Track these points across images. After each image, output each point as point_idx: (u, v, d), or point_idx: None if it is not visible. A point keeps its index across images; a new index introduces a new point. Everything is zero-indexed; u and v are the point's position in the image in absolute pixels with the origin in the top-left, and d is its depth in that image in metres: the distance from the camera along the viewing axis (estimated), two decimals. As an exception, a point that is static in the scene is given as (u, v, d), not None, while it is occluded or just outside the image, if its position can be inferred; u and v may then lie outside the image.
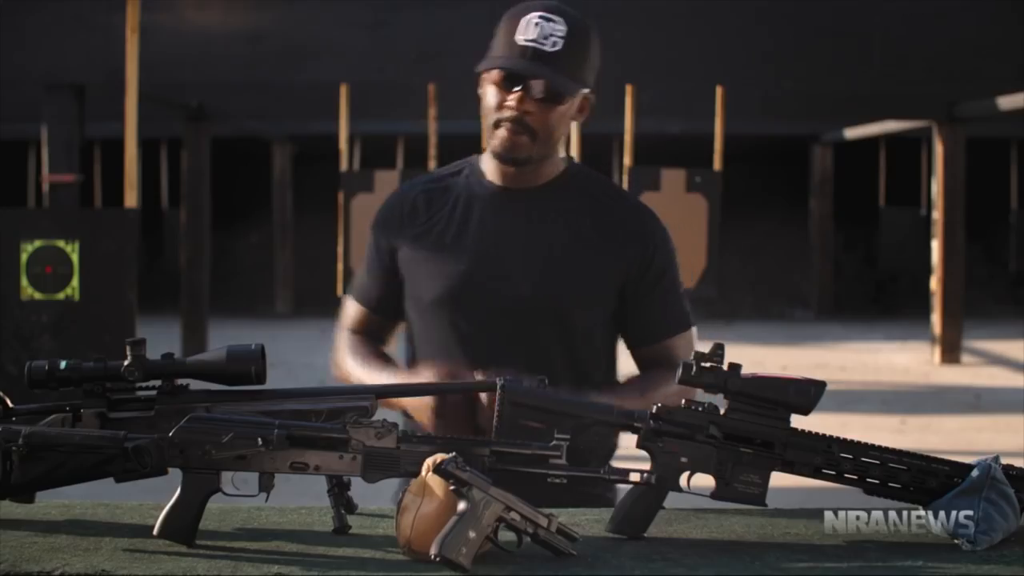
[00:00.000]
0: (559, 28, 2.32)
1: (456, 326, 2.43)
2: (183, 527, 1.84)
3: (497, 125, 2.37)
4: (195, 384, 1.98)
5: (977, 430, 9.19)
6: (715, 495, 1.94)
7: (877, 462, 1.92)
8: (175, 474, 1.87)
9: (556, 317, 2.42)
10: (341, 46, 11.14)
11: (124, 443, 1.85)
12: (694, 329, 2.53)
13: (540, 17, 2.32)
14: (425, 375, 2.27)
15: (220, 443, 1.82)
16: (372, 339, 2.56)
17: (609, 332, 2.52)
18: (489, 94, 2.39)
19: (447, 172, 2.55)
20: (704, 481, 1.93)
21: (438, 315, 2.45)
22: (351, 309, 2.59)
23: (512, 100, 2.34)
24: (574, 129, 10.04)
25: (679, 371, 1.93)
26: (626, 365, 2.57)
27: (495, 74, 2.37)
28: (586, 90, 2.41)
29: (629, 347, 2.52)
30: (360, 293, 2.59)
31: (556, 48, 2.31)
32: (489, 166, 2.49)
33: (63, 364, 1.95)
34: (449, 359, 2.37)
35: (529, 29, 2.32)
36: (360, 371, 2.45)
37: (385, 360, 2.50)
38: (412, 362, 2.52)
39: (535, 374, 2.07)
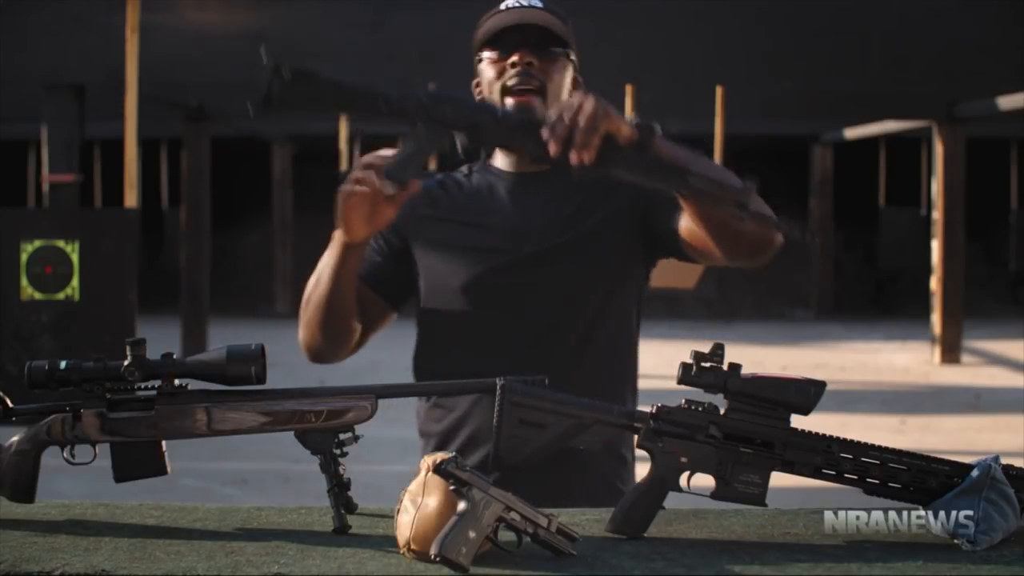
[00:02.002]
0: (536, 1, 2.40)
1: (487, 310, 2.38)
2: None
3: (505, 93, 2.35)
4: (195, 384, 1.98)
5: (977, 430, 9.20)
6: (715, 495, 1.94)
7: (877, 462, 1.92)
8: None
9: (589, 296, 2.40)
10: (341, 46, 11.15)
11: None
12: None
13: None
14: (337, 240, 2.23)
15: None
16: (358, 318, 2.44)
17: (636, 310, 2.49)
18: (488, 72, 2.39)
19: (455, 173, 2.53)
20: (704, 481, 1.93)
21: (468, 301, 2.40)
22: None
23: (515, 57, 2.34)
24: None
25: (679, 371, 1.93)
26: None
27: (488, 55, 2.38)
28: (573, 56, 2.42)
29: (679, 231, 2.37)
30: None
31: (540, 5, 2.38)
32: (500, 157, 2.48)
33: (63, 364, 1.95)
34: (476, 345, 2.35)
35: (510, 3, 2.40)
36: (313, 278, 2.32)
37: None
38: (422, 358, 2.48)
39: (554, 354, 2.17)
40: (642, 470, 1.96)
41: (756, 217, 2.02)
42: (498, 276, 2.39)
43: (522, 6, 2.38)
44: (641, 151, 1.94)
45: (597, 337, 2.42)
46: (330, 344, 2.40)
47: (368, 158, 2.14)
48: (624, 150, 1.93)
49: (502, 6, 2.40)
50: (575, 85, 2.44)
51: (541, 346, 2.34)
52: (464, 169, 2.53)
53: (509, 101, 2.33)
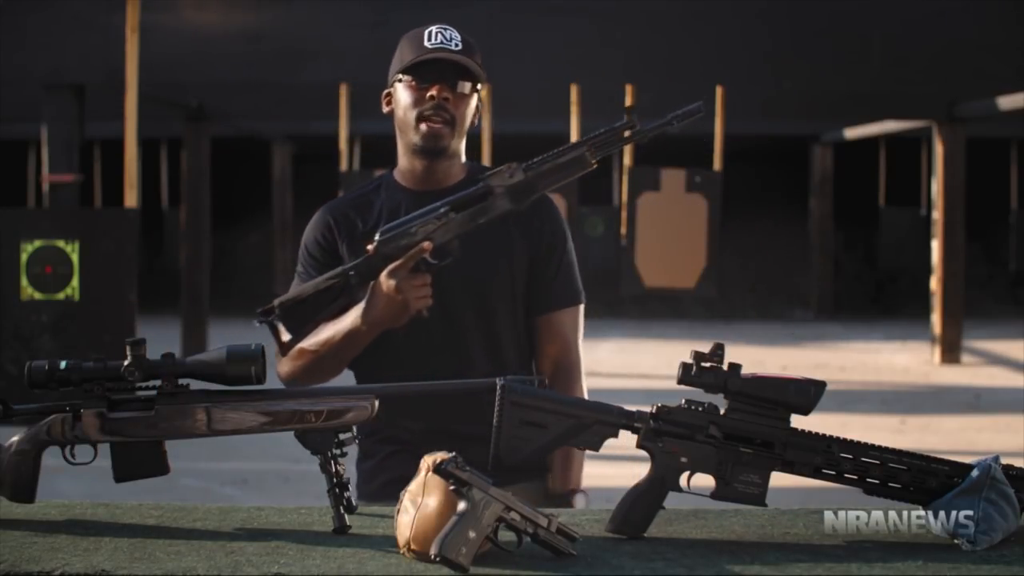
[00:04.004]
0: (455, 35, 2.67)
1: (408, 331, 2.58)
2: None
3: (420, 120, 2.64)
4: (195, 384, 1.98)
5: (977, 430, 9.20)
6: (715, 495, 1.94)
7: (877, 462, 1.92)
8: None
9: (479, 302, 2.68)
10: (341, 46, 11.14)
11: None
12: (582, 307, 2.80)
13: (438, 29, 2.68)
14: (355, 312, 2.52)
15: None
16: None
17: (522, 314, 2.76)
18: (405, 96, 2.66)
19: (364, 191, 2.78)
20: (704, 481, 1.94)
21: None
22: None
23: (433, 91, 2.62)
24: (574, 129, 10.04)
25: (679, 371, 1.93)
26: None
27: (408, 79, 2.65)
28: (480, 86, 2.69)
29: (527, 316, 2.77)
30: None
31: (459, 48, 2.65)
32: (404, 175, 2.74)
33: (63, 364, 1.95)
34: (393, 353, 2.61)
35: (433, 37, 2.66)
36: (317, 338, 2.57)
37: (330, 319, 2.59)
38: (363, 368, 2.67)
39: (458, 355, 2.53)
40: (642, 470, 1.96)
41: None
42: None
43: (443, 45, 2.64)
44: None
45: (494, 333, 2.70)
46: (315, 382, 2.63)
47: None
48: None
49: (426, 39, 2.65)
50: (477, 112, 2.73)
51: (444, 343, 2.64)
52: (372, 184, 2.79)
53: (423, 127, 2.64)
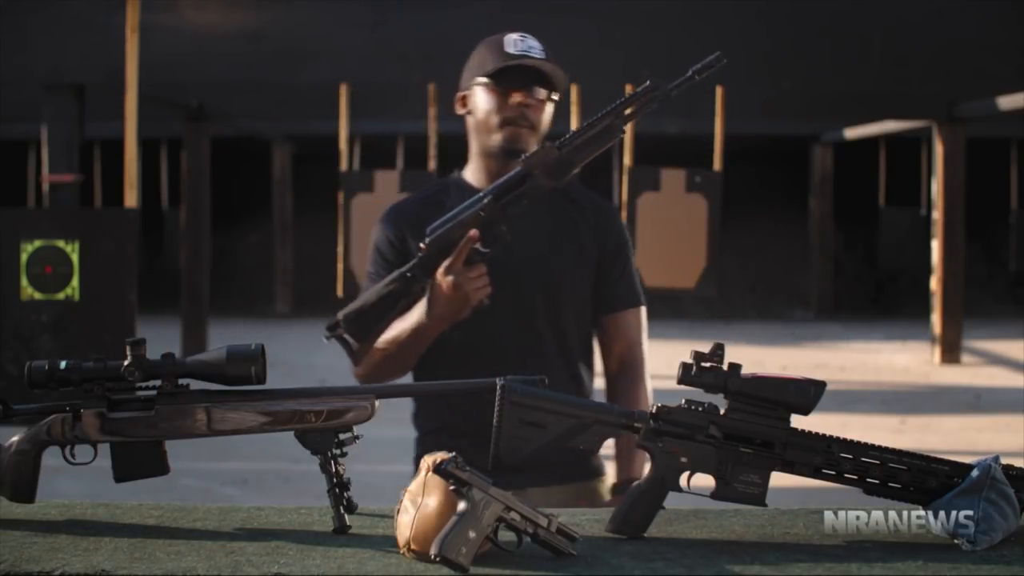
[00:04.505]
0: (535, 43, 2.73)
1: (475, 318, 2.65)
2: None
3: (503, 124, 2.70)
4: (195, 384, 1.98)
5: (977, 430, 9.20)
6: (715, 495, 1.94)
7: (877, 462, 1.92)
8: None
9: (552, 295, 2.77)
10: (341, 46, 11.14)
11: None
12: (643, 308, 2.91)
13: (519, 36, 2.73)
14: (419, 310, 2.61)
15: None
16: None
17: (588, 311, 2.86)
18: (486, 101, 2.72)
19: (432, 191, 2.84)
20: (704, 481, 1.94)
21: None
22: None
23: (517, 97, 2.69)
24: (574, 128, 10.01)
25: (679, 371, 1.93)
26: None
27: (490, 84, 2.70)
28: (556, 96, 2.76)
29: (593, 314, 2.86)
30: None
31: (542, 56, 2.71)
32: (476, 175, 2.79)
33: (63, 364, 1.95)
34: (468, 353, 2.67)
35: (514, 44, 2.71)
36: (386, 336, 2.67)
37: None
38: (425, 367, 2.73)
39: (528, 342, 2.60)
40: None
41: None
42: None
43: (526, 53, 2.69)
44: None
45: (568, 333, 2.79)
46: (391, 379, 2.75)
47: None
48: None
49: (507, 45, 2.70)
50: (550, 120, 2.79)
51: (516, 337, 2.72)
52: (439, 185, 2.85)
53: (506, 131, 2.70)
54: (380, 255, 2.79)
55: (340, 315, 2.59)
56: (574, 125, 10.25)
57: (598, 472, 2.82)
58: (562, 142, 2.55)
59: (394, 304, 2.59)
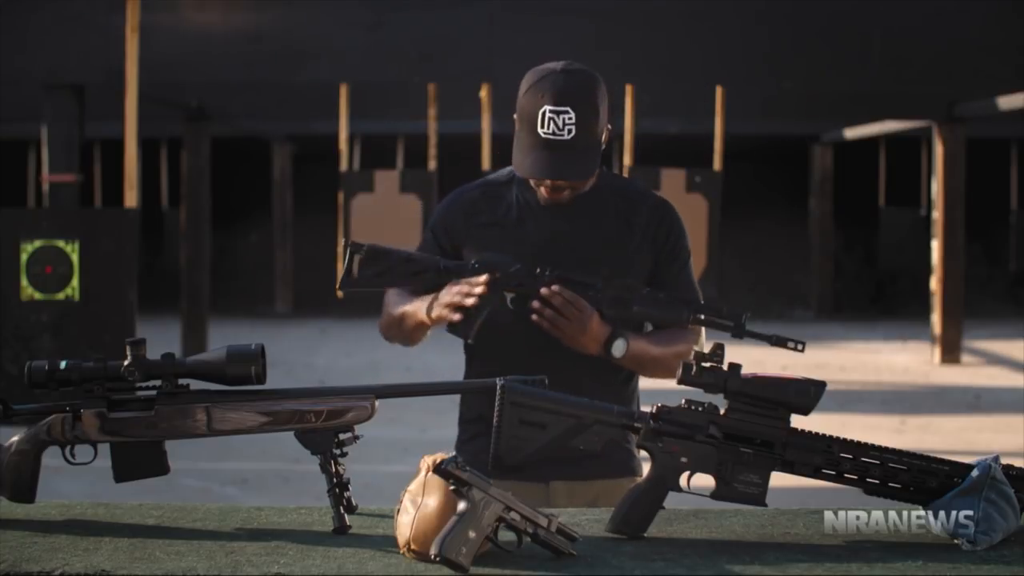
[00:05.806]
0: (569, 118, 2.65)
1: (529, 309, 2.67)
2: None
3: (540, 186, 2.72)
4: (195, 384, 1.98)
5: (977, 430, 9.19)
6: (715, 495, 1.94)
7: (877, 462, 1.92)
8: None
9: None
10: (341, 46, 11.13)
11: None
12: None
13: (552, 112, 2.64)
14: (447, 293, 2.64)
15: None
16: None
17: None
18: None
19: (497, 181, 2.84)
20: (704, 481, 1.93)
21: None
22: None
23: (548, 184, 2.70)
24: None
25: (679, 371, 1.93)
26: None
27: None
28: (606, 130, 2.72)
29: None
30: None
31: (571, 135, 2.64)
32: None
33: (63, 364, 1.95)
34: (513, 343, 2.67)
35: (548, 122, 2.65)
36: (397, 307, 2.76)
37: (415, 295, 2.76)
38: (472, 357, 2.78)
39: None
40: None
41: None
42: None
43: (557, 136, 2.64)
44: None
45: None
46: (406, 345, 2.86)
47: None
48: None
49: (542, 121, 2.64)
50: (606, 138, 2.75)
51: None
52: (504, 176, 2.83)
53: (540, 191, 2.72)
54: (433, 235, 2.84)
55: (367, 244, 2.65)
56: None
57: (634, 471, 2.74)
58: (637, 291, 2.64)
59: (414, 273, 2.66)
